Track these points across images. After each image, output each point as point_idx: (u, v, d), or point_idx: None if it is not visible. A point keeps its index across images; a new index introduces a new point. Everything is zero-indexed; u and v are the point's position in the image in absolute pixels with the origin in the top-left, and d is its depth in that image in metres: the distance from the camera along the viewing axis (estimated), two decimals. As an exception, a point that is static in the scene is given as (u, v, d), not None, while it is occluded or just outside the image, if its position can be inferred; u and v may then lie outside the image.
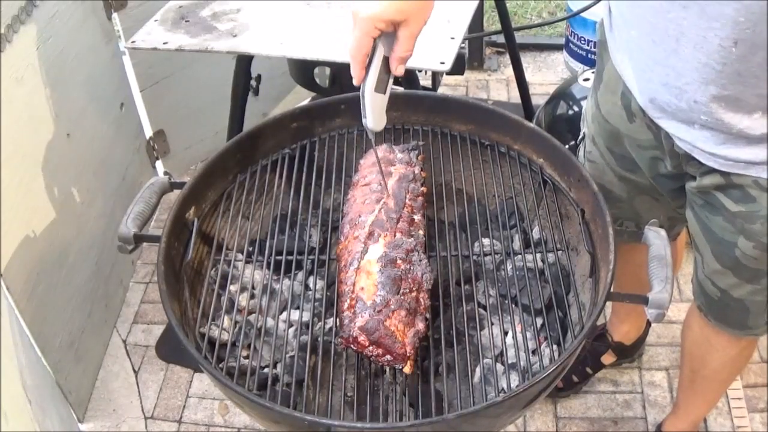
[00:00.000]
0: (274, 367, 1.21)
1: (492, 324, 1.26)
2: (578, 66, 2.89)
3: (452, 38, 1.79)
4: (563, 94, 2.35)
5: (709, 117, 1.12)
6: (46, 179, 1.86)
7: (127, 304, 2.36)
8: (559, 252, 1.34)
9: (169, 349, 2.21)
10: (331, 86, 1.98)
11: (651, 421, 1.97)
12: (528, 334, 1.22)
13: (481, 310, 1.28)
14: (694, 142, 1.19)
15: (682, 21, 1.04)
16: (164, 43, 1.85)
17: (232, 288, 1.29)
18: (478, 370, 1.21)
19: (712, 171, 1.22)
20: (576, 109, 2.30)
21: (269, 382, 1.13)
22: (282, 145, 1.46)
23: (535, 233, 1.40)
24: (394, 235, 1.21)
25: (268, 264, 1.32)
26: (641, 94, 1.23)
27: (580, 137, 1.57)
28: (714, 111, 1.11)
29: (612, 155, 1.43)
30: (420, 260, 1.20)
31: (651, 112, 1.22)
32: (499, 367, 1.20)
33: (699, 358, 1.64)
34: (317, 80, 2.00)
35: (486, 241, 1.38)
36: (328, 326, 1.25)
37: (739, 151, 1.15)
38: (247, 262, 1.35)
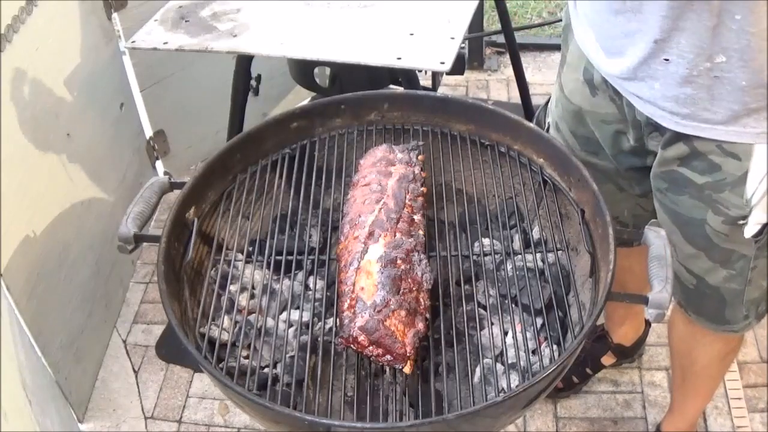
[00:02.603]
0: (274, 367, 1.21)
1: (492, 324, 1.26)
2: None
3: (452, 38, 1.79)
4: (563, 94, 2.35)
5: (670, 58, 1.13)
6: (46, 179, 1.86)
7: (127, 304, 2.36)
8: (559, 252, 1.34)
9: (169, 349, 2.21)
10: (331, 86, 1.98)
11: (651, 421, 1.97)
12: (528, 334, 1.22)
13: (481, 310, 1.28)
14: (655, 101, 1.20)
15: None
16: (164, 43, 1.85)
17: (232, 288, 1.29)
18: (478, 370, 1.21)
19: (674, 141, 1.23)
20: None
21: (269, 382, 1.13)
22: (282, 145, 1.46)
23: (535, 233, 1.40)
24: (394, 235, 1.21)
25: (268, 264, 1.32)
26: (603, 57, 1.24)
27: (544, 129, 1.57)
28: (672, 50, 1.12)
29: (575, 138, 1.45)
30: (420, 260, 1.20)
31: (615, 78, 1.24)
32: (499, 367, 1.20)
33: (687, 355, 1.65)
34: (317, 80, 2.00)
35: (486, 241, 1.38)
36: (328, 326, 1.25)
37: (700, 107, 1.16)
38: (247, 262, 1.35)
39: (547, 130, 1.55)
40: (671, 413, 1.88)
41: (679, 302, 1.49)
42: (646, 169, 1.37)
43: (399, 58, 1.73)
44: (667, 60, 1.14)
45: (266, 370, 1.19)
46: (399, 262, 1.17)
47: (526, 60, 3.15)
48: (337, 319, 1.18)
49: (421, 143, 1.45)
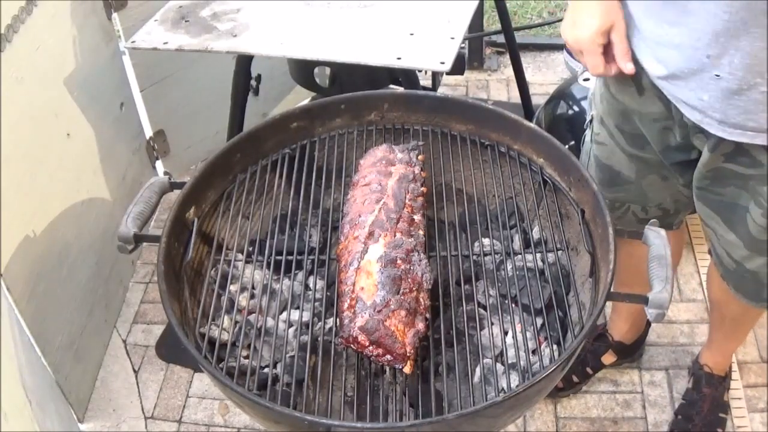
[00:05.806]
0: (274, 367, 1.21)
1: (492, 324, 1.26)
2: (578, 66, 2.88)
3: (452, 38, 1.79)
4: (563, 94, 2.35)
5: (721, 74, 1.15)
6: (46, 179, 1.86)
7: (127, 304, 2.36)
8: (559, 252, 1.34)
9: (169, 349, 2.21)
10: (331, 86, 1.98)
11: (651, 421, 1.97)
12: (528, 334, 1.22)
13: (481, 310, 1.28)
14: (703, 110, 1.21)
15: None
16: (164, 43, 1.85)
17: (232, 288, 1.29)
18: (478, 370, 1.21)
19: (720, 142, 1.25)
20: (576, 109, 2.29)
21: (269, 382, 1.13)
22: (282, 145, 1.46)
23: (535, 233, 1.41)
24: (394, 235, 1.21)
25: (268, 264, 1.32)
26: (653, 65, 1.26)
27: (587, 121, 1.58)
28: (724, 67, 1.14)
29: (621, 134, 1.46)
30: (420, 260, 1.20)
31: (663, 83, 1.26)
32: (499, 367, 1.20)
33: (724, 305, 1.73)
34: (317, 80, 2.00)
35: (486, 241, 1.38)
36: (328, 326, 1.25)
37: (748, 118, 1.18)
38: (247, 262, 1.35)
39: (590, 122, 1.56)
40: (709, 349, 1.96)
41: (721, 275, 1.53)
42: (691, 162, 1.40)
43: (399, 58, 1.73)
44: (718, 76, 1.16)
45: (266, 370, 1.19)
46: (399, 262, 1.17)
47: (526, 60, 3.15)
48: (337, 319, 1.18)
49: (421, 143, 1.45)
